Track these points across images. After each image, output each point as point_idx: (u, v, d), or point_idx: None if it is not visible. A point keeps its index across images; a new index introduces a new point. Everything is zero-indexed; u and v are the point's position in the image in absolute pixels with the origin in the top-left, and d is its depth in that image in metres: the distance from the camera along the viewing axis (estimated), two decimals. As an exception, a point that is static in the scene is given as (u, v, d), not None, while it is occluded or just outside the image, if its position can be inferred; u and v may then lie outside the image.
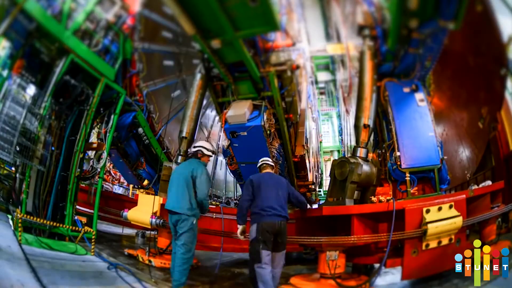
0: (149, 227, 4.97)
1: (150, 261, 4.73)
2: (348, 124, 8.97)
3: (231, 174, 7.39)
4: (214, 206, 5.51)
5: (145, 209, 5.06)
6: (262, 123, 5.25)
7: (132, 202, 7.93)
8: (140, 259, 4.86)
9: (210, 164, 10.63)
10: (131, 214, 5.25)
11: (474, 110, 6.55)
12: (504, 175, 5.61)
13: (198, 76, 5.87)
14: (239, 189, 12.30)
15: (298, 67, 5.65)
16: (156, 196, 5.04)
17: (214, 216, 5.36)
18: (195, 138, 6.02)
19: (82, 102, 5.40)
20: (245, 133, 5.43)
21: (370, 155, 4.92)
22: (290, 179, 6.90)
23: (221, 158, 11.94)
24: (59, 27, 4.90)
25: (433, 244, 3.60)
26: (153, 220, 4.86)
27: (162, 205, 4.76)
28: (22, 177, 4.84)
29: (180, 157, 5.62)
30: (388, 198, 5.72)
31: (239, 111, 5.32)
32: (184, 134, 5.71)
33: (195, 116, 5.84)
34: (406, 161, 5.10)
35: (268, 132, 5.46)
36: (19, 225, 4.06)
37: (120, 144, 7.21)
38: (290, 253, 6.26)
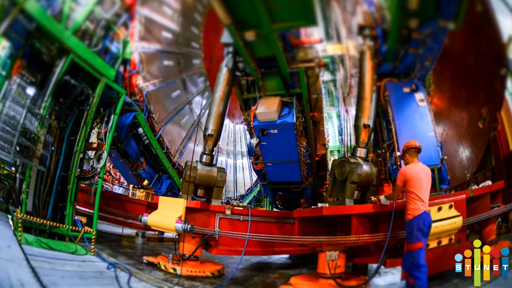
0: (174, 232, 4.56)
1: (174, 269, 4.40)
2: (348, 124, 8.97)
3: (255, 173, 7.24)
4: (241, 208, 5.16)
5: (167, 213, 4.67)
6: (294, 120, 5.15)
7: (132, 202, 8.03)
8: (163, 267, 4.51)
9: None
10: (152, 218, 4.83)
11: (474, 110, 6.56)
12: (504, 175, 5.61)
13: (224, 70, 5.47)
14: (239, 189, 12.34)
15: (325, 64, 5.56)
16: (182, 199, 4.68)
17: (241, 219, 5.04)
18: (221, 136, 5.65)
19: (82, 102, 5.40)
20: (276, 131, 5.25)
21: (370, 155, 4.91)
22: (313, 179, 6.81)
23: (221, 158, 11.97)
24: (59, 27, 4.91)
25: (433, 244, 3.60)
26: (180, 225, 4.41)
27: (188, 208, 4.59)
28: (22, 177, 4.84)
29: (205, 156, 5.23)
30: (388, 198, 5.71)
31: (270, 108, 5.11)
32: (210, 132, 5.28)
33: (221, 112, 5.42)
34: (406, 161, 5.09)
35: (298, 130, 5.35)
36: (19, 225, 4.06)
37: (120, 144, 7.21)
38: (290, 254, 6.29)
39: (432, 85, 6.50)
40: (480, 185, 4.45)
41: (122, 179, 11.37)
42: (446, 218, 3.62)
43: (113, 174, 11.67)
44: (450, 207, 3.69)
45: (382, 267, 3.79)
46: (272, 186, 6.82)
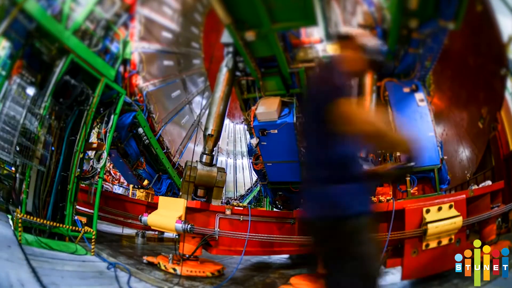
0: (174, 232, 4.54)
1: (174, 269, 4.39)
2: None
3: (255, 173, 7.24)
4: (241, 208, 5.16)
5: (167, 213, 4.66)
6: (294, 120, 5.13)
7: (132, 202, 8.03)
8: (163, 267, 4.50)
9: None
10: (152, 218, 4.81)
11: (474, 110, 6.56)
12: (504, 175, 5.61)
13: (224, 70, 5.46)
14: (239, 189, 12.34)
15: None
16: (182, 199, 4.66)
17: (241, 219, 5.02)
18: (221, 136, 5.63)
19: (82, 102, 5.40)
20: (276, 131, 5.26)
21: (370, 155, 4.90)
22: None
23: (221, 158, 11.97)
24: (59, 27, 4.91)
25: (433, 244, 3.60)
26: (180, 225, 4.39)
27: (188, 208, 4.58)
28: (22, 177, 4.84)
29: (205, 156, 5.22)
30: (388, 198, 5.72)
31: (270, 108, 5.12)
32: (210, 132, 5.26)
33: (221, 112, 5.39)
34: (406, 161, 5.09)
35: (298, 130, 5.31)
36: (19, 225, 4.06)
37: (120, 144, 7.21)
38: (290, 254, 6.29)
39: (432, 85, 6.51)
40: (480, 185, 4.45)
41: (122, 179, 11.38)
42: (446, 218, 3.62)
43: (113, 174, 11.68)
44: (450, 207, 3.69)
45: (382, 267, 3.79)
46: (272, 186, 6.82)
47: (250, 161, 6.66)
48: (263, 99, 5.42)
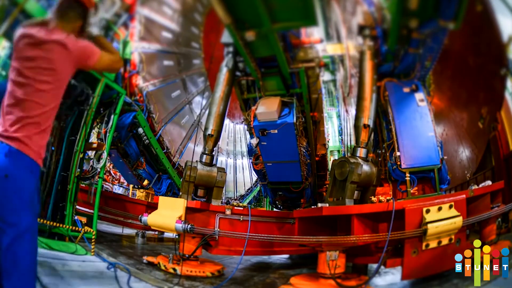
0: (174, 232, 4.54)
1: (174, 269, 4.38)
2: (348, 124, 8.99)
3: (255, 173, 7.29)
4: (241, 208, 5.16)
5: (167, 213, 4.65)
6: (294, 120, 5.17)
7: (132, 202, 8.04)
8: (163, 267, 4.50)
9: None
10: (152, 218, 4.80)
11: (474, 110, 6.57)
12: (504, 175, 5.62)
13: (224, 70, 5.47)
14: (239, 189, 12.35)
15: (325, 64, 5.58)
16: (182, 199, 4.66)
17: (241, 219, 5.02)
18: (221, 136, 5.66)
19: (82, 102, 5.39)
20: (276, 131, 5.28)
21: (370, 155, 4.91)
22: (313, 179, 6.85)
23: (221, 158, 11.97)
24: (59, 27, 4.91)
25: (433, 244, 3.60)
26: (180, 225, 4.38)
27: (188, 208, 4.57)
28: (22, 177, 4.84)
29: (205, 156, 5.22)
30: (388, 198, 5.73)
31: (270, 108, 5.14)
32: (210, 132, 5.27)
33: (221, 112, 5.40)
34: (406, 161, 5.10)
35: (298, 130, 5.37)
36: (19, 225, 4.06)
37: (120, 144, 7.21)
38: (290, 254, 6.29)
39: (432, 85, 6.51)
40: (480, 185, 4.44)
41: (122, 179, 11.38)
42: (446, 218, 3.62)
43: (113, 174, 11.68)
44: (450, 207, 3.68)
45: (382, 267, 3.79)
46: (272, 186, 6.83)
47: (250, 161, 6.67)
48: (263, 99, 5.41)
